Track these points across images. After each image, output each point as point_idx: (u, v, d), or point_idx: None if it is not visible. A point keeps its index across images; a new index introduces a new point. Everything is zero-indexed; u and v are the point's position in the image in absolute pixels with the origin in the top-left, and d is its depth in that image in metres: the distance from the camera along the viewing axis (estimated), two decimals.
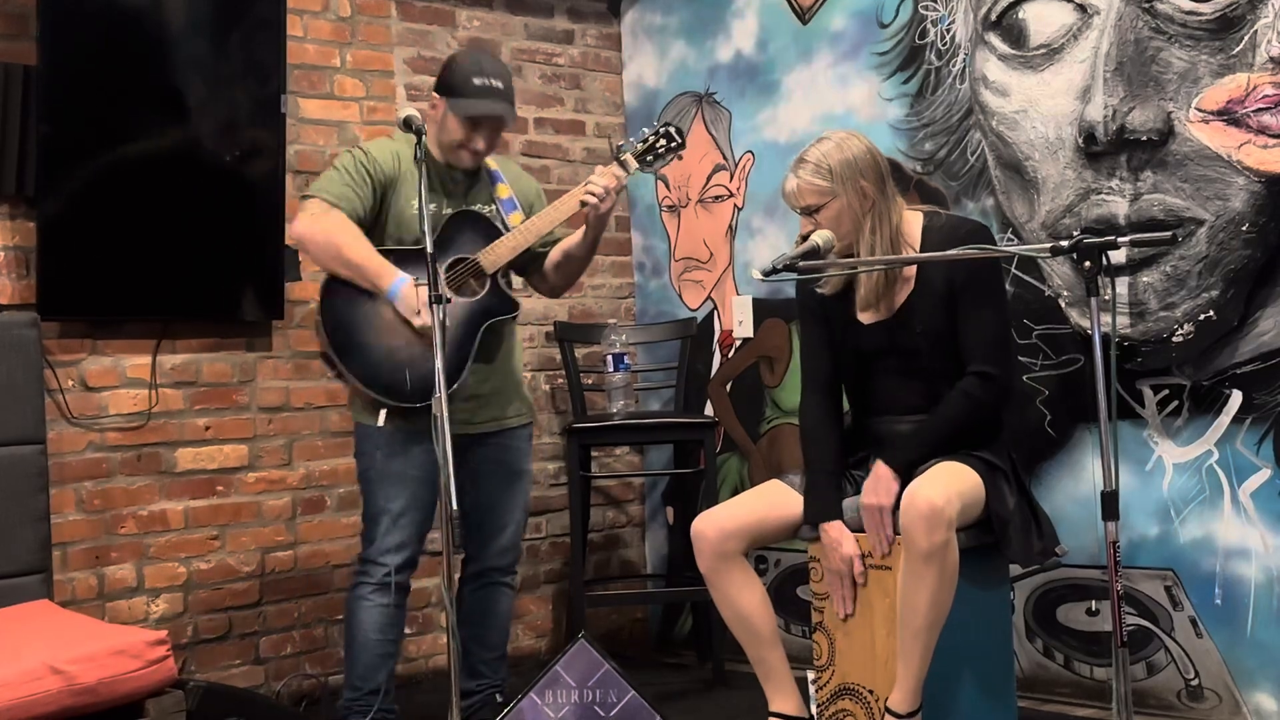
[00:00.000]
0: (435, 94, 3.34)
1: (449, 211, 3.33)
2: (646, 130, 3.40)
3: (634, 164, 3.36)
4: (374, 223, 3.29)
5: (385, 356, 3.22)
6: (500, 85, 3.29)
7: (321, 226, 3.21)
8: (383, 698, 3.29)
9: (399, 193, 3.30)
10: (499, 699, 3.44)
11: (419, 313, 3.17)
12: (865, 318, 3.02)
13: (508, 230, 3.33)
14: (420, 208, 2.89)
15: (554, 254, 3.46)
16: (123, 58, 3.64)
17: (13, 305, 3.53)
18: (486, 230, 3.33)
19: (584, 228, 3.38)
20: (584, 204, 3.30)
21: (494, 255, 3.29)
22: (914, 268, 2.96)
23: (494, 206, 3.40)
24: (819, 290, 3.06)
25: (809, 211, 2.96)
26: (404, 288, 3.18)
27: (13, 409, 3.38)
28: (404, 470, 3.27)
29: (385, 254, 3.25)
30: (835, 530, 2.91)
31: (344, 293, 3.23)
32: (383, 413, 3.22)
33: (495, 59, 3.46)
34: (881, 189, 2.94)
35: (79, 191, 3.56)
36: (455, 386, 3.21)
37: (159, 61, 3.71)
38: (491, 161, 3.44)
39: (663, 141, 3.38)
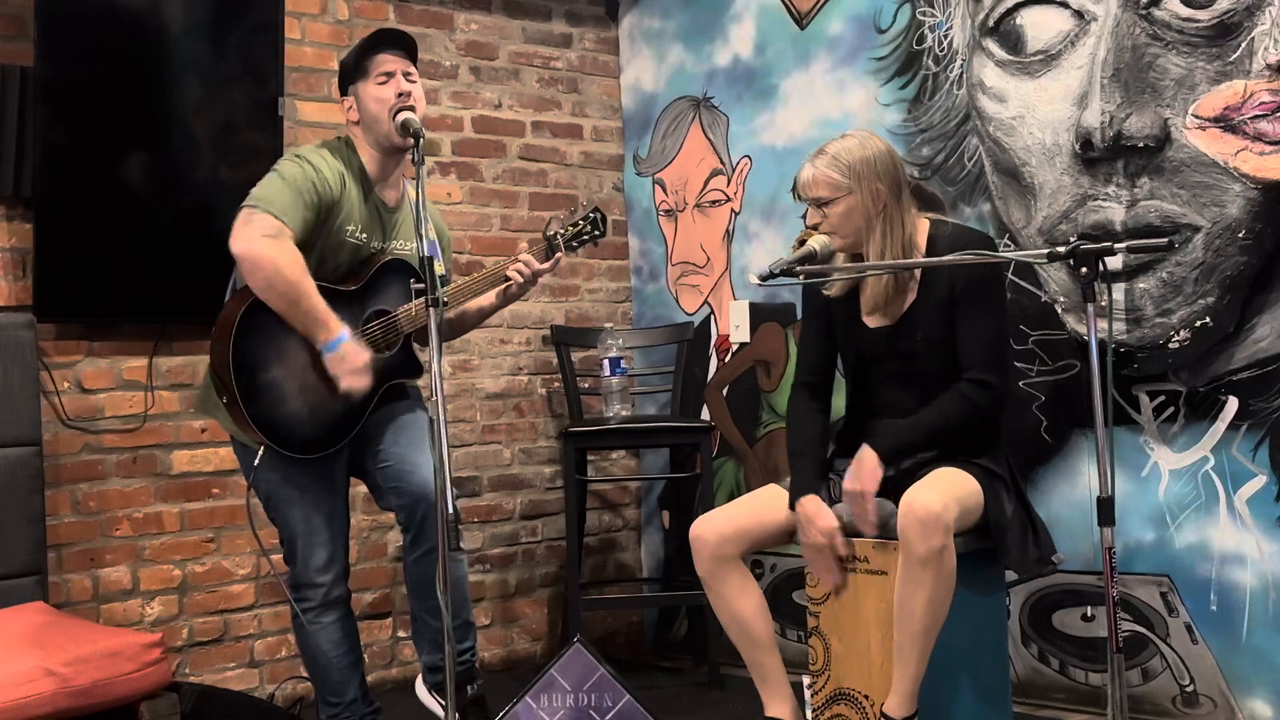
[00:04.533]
0: (345, 98, 3.16)
1: (375, 247, 3.16)
2: (577, 215, 3.38)
3: (563, 250, 3.30)
4: (307, 244, 3.06)
5: (285, 398, 3.04)
6: (389, 35, 3.15)
7: (273, 254, 2.94)
8: (361, 702, 3.24)
9: (336, 217, 3.09)
10: (473, 661, 3.31)
11: (354, 373, 2.99)
12: (870, 321, 3.03)
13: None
14: (418, 211, 2.82)
15: (454, 310, 3.32)
16: (120, 60, 3.64)
17: (9, 307, 3.53)
18: (409, 282, 3.05)
19: (497, 297, 3.30)
20: (507, 278, 3.22)
21: (411, 316, 3.14)
22: (918, 274, 2.96)
23: (413, 243, 3.19)
24: (824, 291, 3.06)
25: (820, 204, 2.95)
26: (342, 347, 2.98)
27: (8, 410, 3.37)
28: (303, 486, 3.12)
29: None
30: (811, 504, 2.90)
31: (263, 323, 3.00)
32: (261, 450, 3.04)
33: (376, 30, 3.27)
34: (897, 195, 2.94)
35: (76, 193, 3.56)
36: (341, 445, 3.12)
37: (156, 63, 3.72)
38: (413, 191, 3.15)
39: (589, 229, 3.37)
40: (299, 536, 3.14)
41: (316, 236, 3.07)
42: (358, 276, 3.14)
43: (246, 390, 3.00)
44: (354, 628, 3.25)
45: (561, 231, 3.33)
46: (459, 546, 3.10)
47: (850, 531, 2.92)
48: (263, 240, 2.96)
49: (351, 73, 3.15)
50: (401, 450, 3.15)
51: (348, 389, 3.01)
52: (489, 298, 3.33)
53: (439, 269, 3.11)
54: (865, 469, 2.85)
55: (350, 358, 3.00)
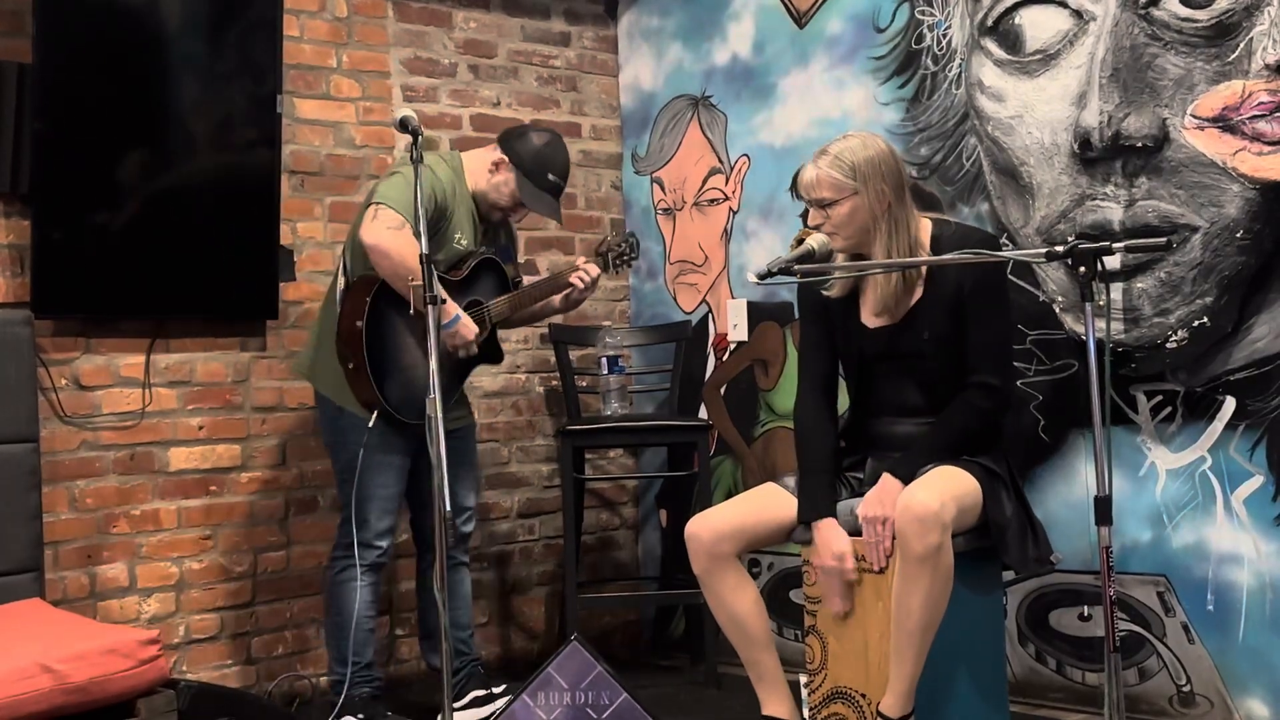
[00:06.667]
0: (504, 155, 3.61)
1: (475, 249, 3.62)
2: (617, 237, 3.90)
3: (611, 268, 3.85)
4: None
5: (401, 370, 3.49)
6: (565, 187, 3.68)
7: (399, 246, 3.34)
8: (371, 669, 3.58)
9: (446, 223, 3.52)
10: (482, 670, 3.77)
11: (466, 345, 3.49)
12: (871, 322, 3.02)
13: (509, 280, 3.73)
14: (416, 207, 2.93)
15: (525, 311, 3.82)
16: (118, 56, 3.63)
17: (7, 303, 3.53)
18: (499, 281, 3.69)
19: (560, 301, 3.80)
20: (571, 285, 3.73)
21: (498, 309, 3.66)
22: (924, 275, 2.95)
23: (493, 249, 3.71)
24: (824, 292, 3.05)
25: (823, 205, 2.94)
26: (460, 324, 3.46)
27: (6, 407, 3.37)
28: (392, 459, 3.54)
29: None
30: (828, 529, 2.91)
31: (387, 303, 3.45)
32: (374, 414, 3.45)
33: (566, 153, 3.75)
34: (900, 196, 2.94)
35: (73, 190, 3.56)
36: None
37: (155, 60, 3.71)
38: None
39: (629, 252, 3.86)
40: (374, 501, 3.52)
41: (431, 235, 3.40)
42: (458, 270, 3.59)
43: (374, 362, 3.44)
44: (379, 597, 3.66)
45: (612, 250, 3.84)
46: (468, 562, 3.81)
47: (851, 530, 2.92)
48: (387, 232, 3.36)
49: (523, 163, 3.59)
50: (453, 476, 3.48)
51: (461, 353, 3.52)
52: (554, 301, 3.82)
53: (510, 270, 3.77)
54: (887, 497, 2.83)
55: (461, 332, 3.47)
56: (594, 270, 3.74)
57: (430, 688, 3.96)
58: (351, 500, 3.48)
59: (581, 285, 3.72)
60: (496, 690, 3.66)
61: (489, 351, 3.70)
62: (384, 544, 3.55)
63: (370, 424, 3.44)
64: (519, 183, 3.59)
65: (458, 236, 3.57)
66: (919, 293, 2.97)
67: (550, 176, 3.63)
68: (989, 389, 2.93)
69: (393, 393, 3.47)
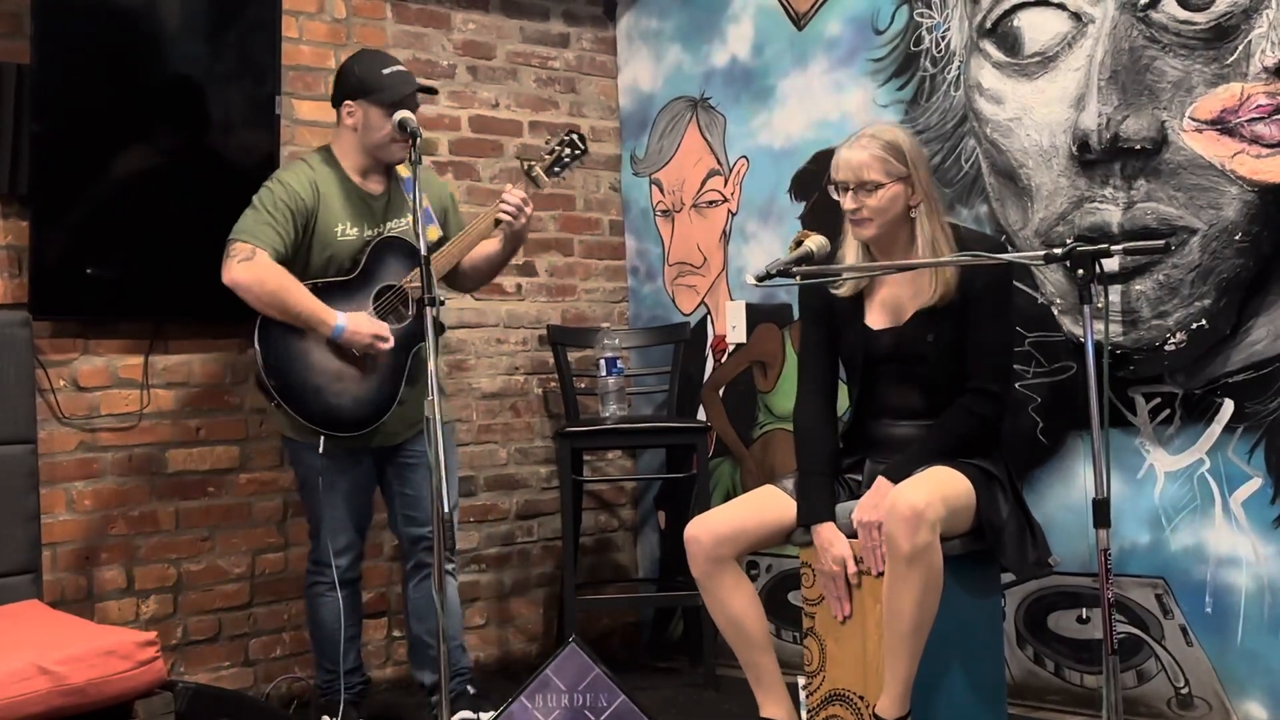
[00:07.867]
0: (348, 102, 3.41)
1: (369, 235, 3.45)
2: (551, 141, 3.66)
3: (545, 178, 3.59)
4: (296, 253, 3.39)
5: (321, 390, 3.40)
6: (405, 68, 3.42)
7: (255, 275, 3.30)
8: (355, 673, 3.60)
9: (321, 220, 3.40)
10: (471, 690, 3.63)
11: (369, 342, 3.36)
12: (875, 323, 3.02)
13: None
14: (415, 208, 2.92)
15: (468, 260, 3.59)
16: (116, 57, 3.63)
17: (5, 305, 3.52)
18: (408, 254, 3.45)
19: (501, 241, 3.56)
20: (499, 222, 3.49)
21: (415, 284, 3.41)
22: (935, 279, 2.95)
23: (408, 218, 3.49)
24: (833, 290, 3.05)
25: (863, 188, 2.92)
26: (347, 331, 3.35)
27: (4, 408, 3.37)
28: (341, 481, 3.49)
29: (314, 289, 3.38)
30: (828, 532, 2.91)
31: (277, 331, 3.36)
32: (321, 440, 3.39)
33: (379, 51, 3.63)
34: (931, 191, 2.97)
35: (72, 191, 3.56)
36: (388, 416, 3.44)
37: (153, 61, 3.71)
38: (403, 169, 3.51)
39: (568, 150, 3.63)
40: (326, 522, 3.49)
41: (306, 243, 3.39)
42: (356, 265, 3.45)
43: (287, 393, 3.37)
44: (359, 605, 3.65)
45: (539, 161, 3.61)
46: (452, 571, 3.69)
47: (848, 532, 2.92)
48: (239, 266, 3.31)
49: (362, 88, 3.38)
50: (418, 492, 3.53)
51: (373, 353, 3.38)
52: (493, 245, 3.56)
53: (434, 234, 3.49)
54: (882, 501, 2.83)
55: (356, 335, 3.35)
56: (516, 195, 3.46)
57: (420, 704, 3.91)
58: (314, 518, 3.53)
59: (510, 215, 3.46)
60: (484, 717, 3.53)
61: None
62: (343, 561, 3.51)
63: (320, 450, 3.40)
64: (377, 104, 3.34)
65: (339, 229, 3.41)
66: (925, 298, 2.96)
67: (385, 71, 3.36)
68: (987, 395, 2.93)
69: (324, 415, 3.40)
